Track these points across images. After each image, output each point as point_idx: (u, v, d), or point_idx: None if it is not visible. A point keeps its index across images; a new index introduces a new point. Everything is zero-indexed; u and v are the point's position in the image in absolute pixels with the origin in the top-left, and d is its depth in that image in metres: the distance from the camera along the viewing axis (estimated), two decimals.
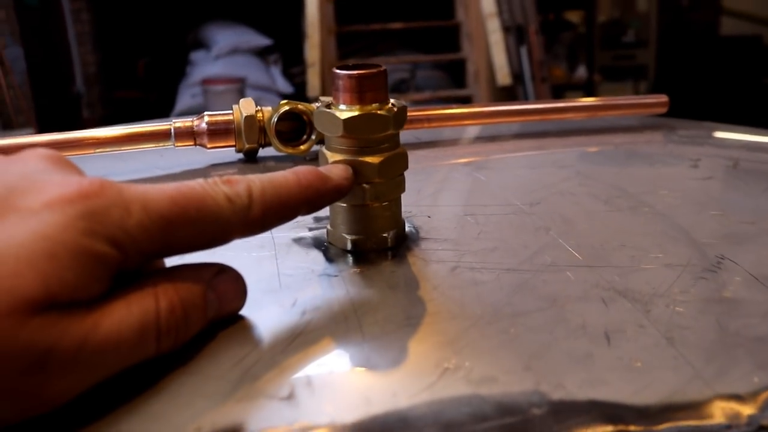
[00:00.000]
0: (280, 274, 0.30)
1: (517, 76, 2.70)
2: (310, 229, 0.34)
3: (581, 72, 3.65)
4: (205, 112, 0.47)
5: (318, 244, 0.33)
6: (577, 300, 0.28)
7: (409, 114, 0.51)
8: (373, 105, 0.29)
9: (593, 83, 3.55)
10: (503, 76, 2.58)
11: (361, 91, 0.29)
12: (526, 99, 2.71)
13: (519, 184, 0.42)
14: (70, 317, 0.20)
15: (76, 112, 3.44)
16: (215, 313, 0.25)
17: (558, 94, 3.18)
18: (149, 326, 0.22)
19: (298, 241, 0.33)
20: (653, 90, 4.60)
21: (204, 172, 0.47)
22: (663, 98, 0.58)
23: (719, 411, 0.22)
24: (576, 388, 0.22)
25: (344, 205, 0.31)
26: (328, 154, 0.30)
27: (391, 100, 0.31)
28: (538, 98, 2.69)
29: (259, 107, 0.47)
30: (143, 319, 0.22)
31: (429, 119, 0.51)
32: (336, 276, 0.29)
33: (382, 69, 0.30)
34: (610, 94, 4.63)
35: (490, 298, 0.28)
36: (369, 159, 0.30)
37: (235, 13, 3.36)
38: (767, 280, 0.30)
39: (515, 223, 0.35)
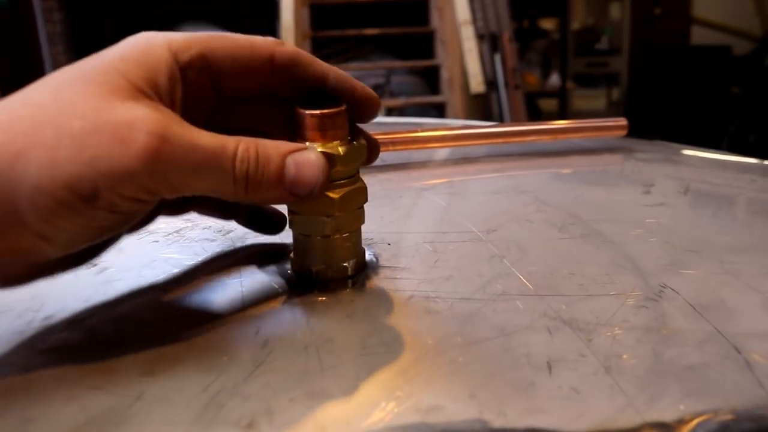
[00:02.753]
0: (244, 301, 0.31)
1: (491, 83, 2.74)
2: (275, 257, 0.36)
3: (555, 79, 3.70)
4: None
5: (282, 272, 0.34)
6: (524, 329, 0.29)
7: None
8: (334, 143, 0.31)
9: (566, 90, 3.61)
10: (477, 84, 2.62)
11: (321, 129, 0.31)
12: (499, 106, 2.74)
13: (478, 210, 0.43)
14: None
15: None
16: (293, 178, 0.29)
17: (531, 101, 3.22)
18: (228, 151, 0.27)
19: (263, 269, 0.34)
20: (626, 96, 4.69)
21: None
22: (622, 122, 0.61)
23: None
24: (516, 416, 0.24)
25: (306, 236, 0.32)
26: None
27: (358, 137, 0.32)
28: (512, 105, 2.73)
29: None
30: (224, 144, 0.27)
31: (394, 143, 0.53)
32: (298, 305, 0.31)
33: (342, 108, 0.31)
34: (583, 101, 4.71)
35: (442, 327, 0.29)
36: (329, 194, 0.31)
37: (210, 16, 3.35)
38: (704, 309, 0.32)
39: (471, 251, 0.37)
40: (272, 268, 0.35)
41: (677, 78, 4.38)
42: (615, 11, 4.92)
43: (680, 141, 0.67)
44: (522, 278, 0.34)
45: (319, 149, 0.30)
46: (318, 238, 0.32)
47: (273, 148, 0.28)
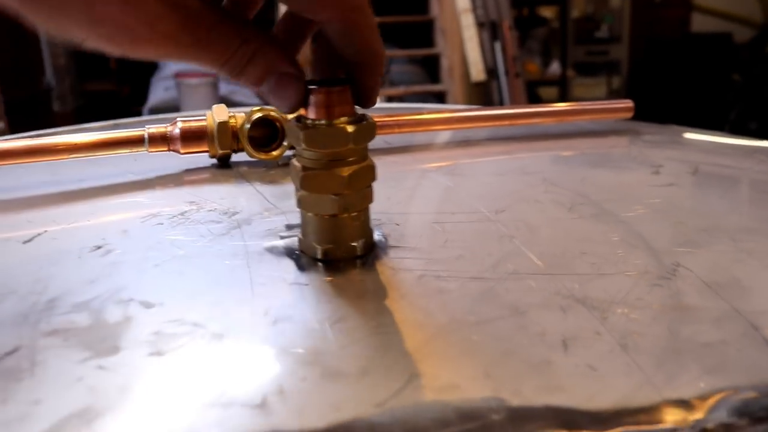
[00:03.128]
0: (252, 283, 0.31)
1: (491, 71, 2.73)
2: (282, 237, 0.35)
3: (555, 67, 3.69)
4: (178, 118, 0.47)
5: (289, 252, 0.34)
6: (538, 308, 0.29)
7: (380, 120, 0.52)
8: (341, 119, 0.30)
9: (567, 79, 3.60)
10: (477, 72, 2.61)
11: (328, 106, 0.30)
12: (500, 94, 2.73)
13: (486, 191, 0.43)
14: None
15: (46, 105, 3.39)
16: (266, 92, 0.29)
17: (532, 89, 3.21)
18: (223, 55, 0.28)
19: (270, 249, 0.34)
20: (626, 84, 4.67)
21: (177, 177, 0.47)
22: (629, 103, 0.60)
23: (667, 415, 0.23)
24: (533, 394, 0.24)
25: (314, 215, 0.32)
26: (297, 165, 0.31)
27: (363, 115, 0.31)
28: (512, 94, 2.71)
29: (232, 113, 0.48)
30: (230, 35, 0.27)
31: (399, 125, 0.52)
32: (307, 285, 0.30)
33: (348, 85, 0.30)
34: (583, 89, 4.69)
35: (455, 306, 0.29)
36: (337, 171, 0.31)
37: None
38: (718, 287, 0.31)
39: (481, 231, 0.36)
40: (280, 248, 0.34)
41: (678, 65, 4.37)
42: None
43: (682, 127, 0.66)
44: (533, 257, 0.34)
45: (326, 128, 0.30)
46: (326, 217, 0.32)
47: (265, 63, 0.29)
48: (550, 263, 0.33)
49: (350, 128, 0.30)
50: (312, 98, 0.30)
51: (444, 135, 0.57)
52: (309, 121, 0.30)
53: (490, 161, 0.50)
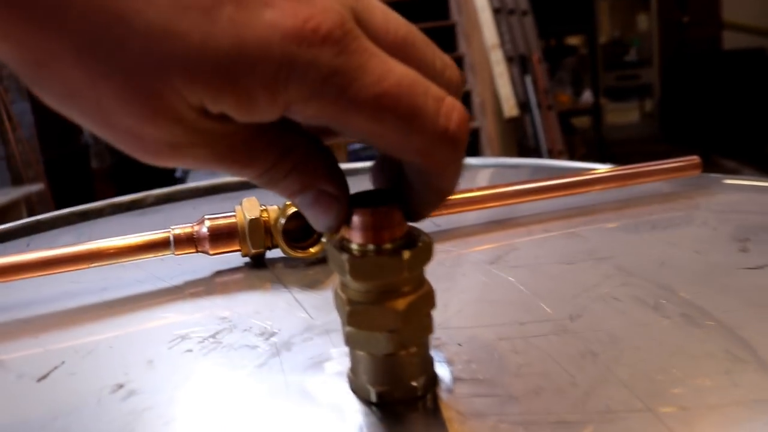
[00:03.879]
0: None
1: (523, 105, 2.68)
2: (327, 372, 0.30)
3: (587, 96, 3.62)
4: (205, 216, 0.43)
5: (339, 393, 0.29)
6: None
7: None
8: (389, 245, 0.25)
9: (600, 107, 3.53)
10: (510, 108, 2.56)
11: (376, 229, 0.26)
12: (533, 128, 2.68)
13: (554, 288, 0.38)
14: None
15: (84, 162, 3.44)
16: (304, 204, 0.25)
17: (565, 119, 3.15)
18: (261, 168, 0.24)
19: (315, 390, 0.29)
20: (659, 107, 4.58)
21: (208, 282, 0.43)
22: (695, 160, 0.55)
23: None
24: None
25: (366, 353, 0.27)
26: (342, 296, 0.27)
27: (417, 232, 0.27)
28: (546, 126, 2.66)
29: (264, 206, 0.44)
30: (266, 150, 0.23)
31: (448, 206, 0.47)
32: None
33: (395, 205, 0.26)
34: (616, 114, 4.61)
35: None
36: (390, 305, 0.26)
37: None
38: None
39: (557, 347, 0.31)
40: (326, 388, 0.29)
41: (711, 84, 4.28)
42: (642, 22, 4.84)
43: (720, 148, 0.60)
44: (625, 386, 0.28)
45: (375, 256, 0.25)
46: (380, 356, 0.27)
47: (303, 179, 0.24)
48: (646, 392, 0.28)
49: (405, 254, 0.25)
50: (356, 219, 0.26)
51: (493, 211, 0.52)
52: (354, 247, 0.26)
53: (552, 243, 0.45)
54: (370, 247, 0.26)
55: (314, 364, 0.31)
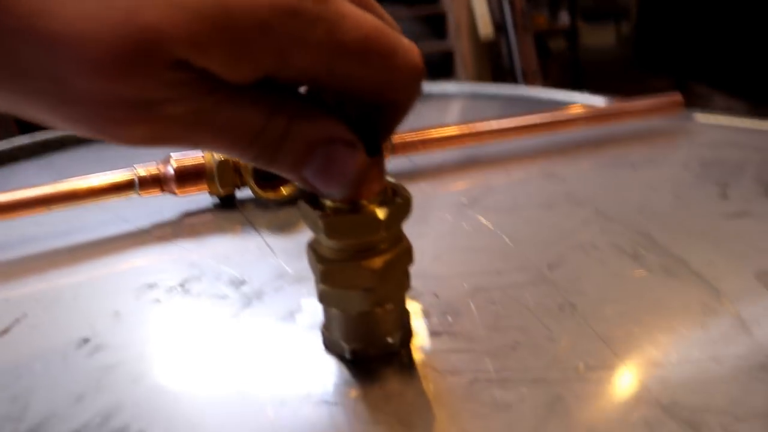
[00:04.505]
0: (270, 401, 0.25)
1: (499, 26, 2.62)
2: (301, 326, 0.30)
3: (563, 18, 3.55)
4: (171, 154, 0.41)
5: (312, 345, 0.28)
6: (619, 426, 0.24)
7: (402, 139, 0.46)
8: (369, 201, 0.24)
9: (576, 29, 3.46)
10: (485, 25, 2.50)
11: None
12: (509, 51, 2.63)
13: (532, 233, 0.37)
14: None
15: None
16: (315, 174, 0.22)
17: (540, 41, 3.09)
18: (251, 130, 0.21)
19: (288, 344, 0.28)
20: (636, 30, 4.52)
21: (176, 224, 0.41)
22: (677, 97, 0.53)
23: None
24: None
25: (340, 311, 0.26)
26: (315, 253, 0.26)
27: (394, 186, 0.26)
28: (522, 50, 2.61)
29: None
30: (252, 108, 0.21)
31: (424, 143, 0.46)
32: (336, 404, 0.25)
33: (381, 156, 0.24)
34: (592, 37, 4.54)
35: (518, 431, 0.23)
36: (367, 263, 0.25)
37: None
38: None
39: (535, 299, 0.31)
40: (299, 341, 0.28)
41: (689, 8, 4.21)
42: None
43: (695, 74, 0.59)
44: (602, 340, 0.28)
45: (351, 214, 0.24)
46: (355, 313, 0.26)
47: (307, 132, 0.22)
48: (624, 348, 0.27)
49: (381, 213, 0.24)
50: None
51: (472, 149, 0.51)
52: (329, 203, 0.24)
53: (529, 185, 0.44)
54: (346, 204, 0.24)
55: (286, 316, 0.30)
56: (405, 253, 0.26)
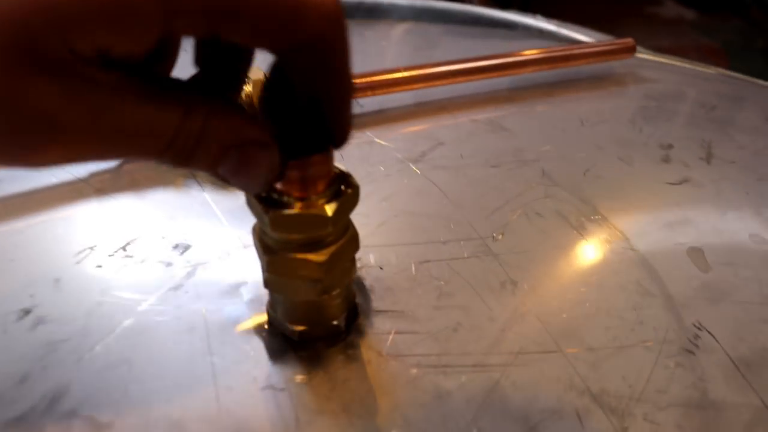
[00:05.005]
0: (217, 385, 0.26)
1: None
2: (247, 302, 0.30)
3: None
4: None
5: (258, 328, 0.28)
6: (551, 416, 0.25)
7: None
8: (319, 202, 0.24)
9: None
10: None
11: (303, 181, 0.24)
12: None
13: (478, 196, 0.37)
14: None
15: None
16: (229, 172, 0.22)
17: None
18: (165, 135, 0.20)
19: (234, 323, 0.29)
20: None
21: (115, 174, 0.40)
22: (629, 42, 0.53)
23: None
24: None
25: (286, 298, 0.27)
26: (260, 242, 0.25)
27: (341, 175, 0.25)
28: None
29: None
30: (165, 109, 0.20)
31: (372, 87, 0.45)
32: (282, 390, 0.26)
33: (329, 152, 0.24)
34: None
35: (457, 421, 0.25)
36: (313, 256, 0.25)
37: None
38: (746, 366, 0.28)
39: (478, 274, 0.32)
40: (245, 322, 0.29)
41: None
42: None
43: None
44: (539, 322, 0.29)
45: (298, 210, 0.23)
46: (301, 300, 0.27)
47: (222, 133, 0.21)
48: (559, 331, 0.29)
49: (329, 208, 0.24)
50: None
51: (419, 92, 0.50)
52: (275, 196, 0.24)
53: (477, 139, 0.44)
54: (293, 198, 0.24)
55: (231, 289, 0.30)
56: (351, 242, 0.26)
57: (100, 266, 0.32)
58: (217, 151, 0.21)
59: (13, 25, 0.17)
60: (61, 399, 0.25)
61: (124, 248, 0.33)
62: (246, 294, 0.30)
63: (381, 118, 0.46)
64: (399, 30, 0.68)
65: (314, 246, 0.25)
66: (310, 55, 0.21)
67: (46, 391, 0.25)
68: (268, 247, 0.25)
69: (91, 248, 0.33)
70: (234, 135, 0.21)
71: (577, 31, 0.65)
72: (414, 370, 0.27)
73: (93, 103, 0.18)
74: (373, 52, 0.60)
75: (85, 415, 0.25)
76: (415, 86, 0.46)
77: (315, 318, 0.27)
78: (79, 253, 0.33)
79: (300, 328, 0.27)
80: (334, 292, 0.27)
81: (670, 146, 0.43)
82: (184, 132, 0.20)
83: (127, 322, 0.29)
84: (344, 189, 0.25)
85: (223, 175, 0.22)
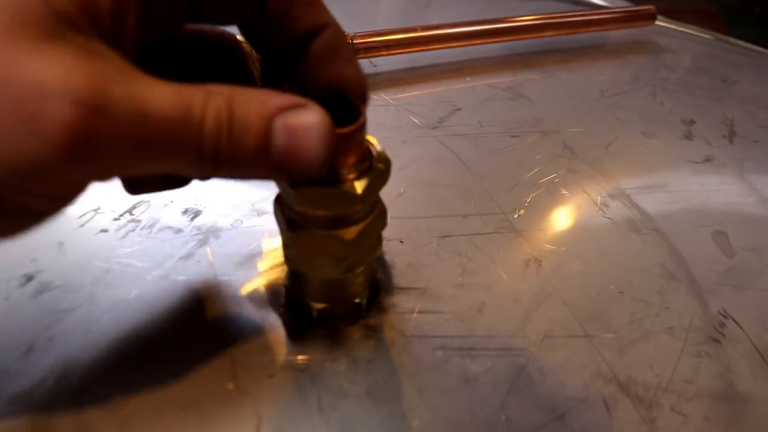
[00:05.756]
0: (234, 364, 0.25)
1: None
2: (262, 272, 0.29)
3: None
4: None
5: (275, 302, 0.27)
6: (578, 404, 0.25)
7: (365, 41, 0.43)
8: (350, 176, 0.22)
9: None
10: None
11: (334, 155, 0.22)
12: None
13: (498, 167, 0.36)
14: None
15: None
16: (283, 151, 0.19)
17: None
18: (192, 119, 0.18)
19: (250, 297, 0.27)
20: None
21: None
22: (650, 9, 0.51)
23: None
24: None
25: (307, 275, 0.25)
26: (283, 216, 0.24)
27: (374, 149, 0.24)
28: None
29: None
30: (188, 106, 0.18)
31: (387, 46, 0.43)
32: (303, 371, 0.25)
33: (362, 121, 0.22)
34: None
35: (484, 407, 0.24)
36: (340, 233, 0.23)
37: None
38: None
39: (501, 251, 0.31)
40: (262, 295, 0.28)
41: None
42: None
43: None
44: (565, 306, 0.28)
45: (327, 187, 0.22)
46: (324, 278, 0.25)
47: (254, 107, 0.19)
48: (585, 316, 0.28)
49: (359, 186, 0.22)
50: None
51: (435, 54, 0.48)
52: None
53: (496, 106, 0.42)
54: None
55: (246, 260, 0.29)
56: (379, 219, 0.25)
57: (105, 230, 0.30)
58: (258, 124, 0.19)
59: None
60: (69, 375, 0.24)
61: (130, 212, 0.31)
62: (261, 266, 0.29)
63: (396, 79, 0.44)
64: None
65: (341, 222, 0.23)
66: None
67: (51, 365, 0.24)
68: (292, 222, 0.24)
69: (96, 210, 0.31)
70: (269, 104, 0.19)
71: None
72: (439, 353, 0.26)
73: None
74: (367, 8, 0.58)
75: (95, 392, 0.24)
76: (431, 47, 0.45)
77: (336, 295, 0.26)
78: (83, 215, 0.31)
79: (320, 305, 0.26)
80: (358, 270, 0.25)
81: (692, 122, 0.42)
82: (213, 110, 0.18)
83: (136, 293, 0.27)
84: (376, 164, 0.23)
85: (278, 159, 0.19)
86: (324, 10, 0.23)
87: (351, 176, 0.22)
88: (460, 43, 0.45)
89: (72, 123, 0.16)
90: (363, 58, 0.43)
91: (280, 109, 0.19)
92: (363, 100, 0.23)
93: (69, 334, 0.25)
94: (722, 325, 0.28)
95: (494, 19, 0.46)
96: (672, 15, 0.62)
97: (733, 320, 0.29)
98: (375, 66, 0.45)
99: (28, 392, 0.23)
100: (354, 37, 0.42)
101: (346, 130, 0.22)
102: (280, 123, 0.19)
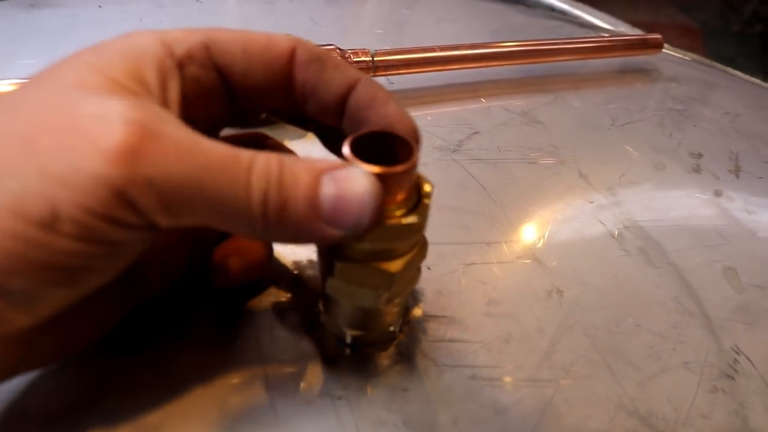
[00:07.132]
0: (270, 392, 0.25)
1: None
2: (290, 297, 0.29)
3: None
4: None
5: (307, 326, 0.28)
6: None
7: (385, 58, 0.43)
8: (398, 213, 0.23)
9: None
10: None
11: (385, 193, 0.23)
12: None
13: (518, 194, 0.37)
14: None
15: None
16: (333, 205, 0.20)
17: None
18: (241, 161, 0.19)
19: (282, 320, 0.28)
20: None
21: None
22: (657, 38, 0.53)
23: None
24: None
25: (344, 304, 0.26)
26: (328, 248, 0.24)
27: (422, 185, 0.24)
28: None
29: None
30: (236, 153, 0.19)
31: (407, 64, 0.44)
32: (340, 398, 0.25)
33: (414, 160, 0.23)
34: None
35: None
36: (383, 266, 0.24)
37: None
38: None
39: (524, 281, 0.32)
40: (295, 320, 0.28)
41: None
42: None
43: None
44: (587, 336, 0.29)
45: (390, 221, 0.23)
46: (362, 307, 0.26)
47: (303, 164, 0.20)
48: (606, 347, 0.29)
49: (407, 221, 0.23)
50: None
51: (449, 73, 0.48)
52: None
53: (513, 130, 0.43)
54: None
55: (277, 280, 0.29)
56: (422, 251, 0.25)
57: None
58: (308, 177, 0.20)
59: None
60: (103, 400, 0.24)
61: None
62: (293, 288, 0.29)
63: (413, 97, 0.45)
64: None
65: (387, 254, 0.24)
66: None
67: (85, 386, 0.24)
68: (339, 253, 0.24)
69: None
70: (318, 164, 0.20)
71: (593, 15, 0.64)
72: (471, 382, 0.26)
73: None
74: (394, 19, 0.58)
75: (127, 415, 0.24)
76: (449, 67, 0.45)
77: (372, 324, 0.27)
78: None
79: (355, 332, 0.27)
80: (397, 300, 0.26)
81: (700, 155, 0.43)
82: (263, 160, 0.20)
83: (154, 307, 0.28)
84: (423, 201, 0.24)
85: (328, 213, 0.20)
86: (350, 67, 0.24)
87: (399, 213, 0.23)
88: (478, 64, 0.46)
89: (123, 138, 0.17)
90: (381, 75, 0.43)
91: (327, 169, 0.20)
92: (416, 139, 0.24)
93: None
94: (735, 361, 0.30)
95: (511, 42, 0.47)
96: (653, 27, 0.63)
97: (746, 357, 0.30)
98: (392, 83, 0.45)
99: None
100: (375, 54, 0.42)
101: (399, 169, 0.22)
102: (329, 177, 0.20)
